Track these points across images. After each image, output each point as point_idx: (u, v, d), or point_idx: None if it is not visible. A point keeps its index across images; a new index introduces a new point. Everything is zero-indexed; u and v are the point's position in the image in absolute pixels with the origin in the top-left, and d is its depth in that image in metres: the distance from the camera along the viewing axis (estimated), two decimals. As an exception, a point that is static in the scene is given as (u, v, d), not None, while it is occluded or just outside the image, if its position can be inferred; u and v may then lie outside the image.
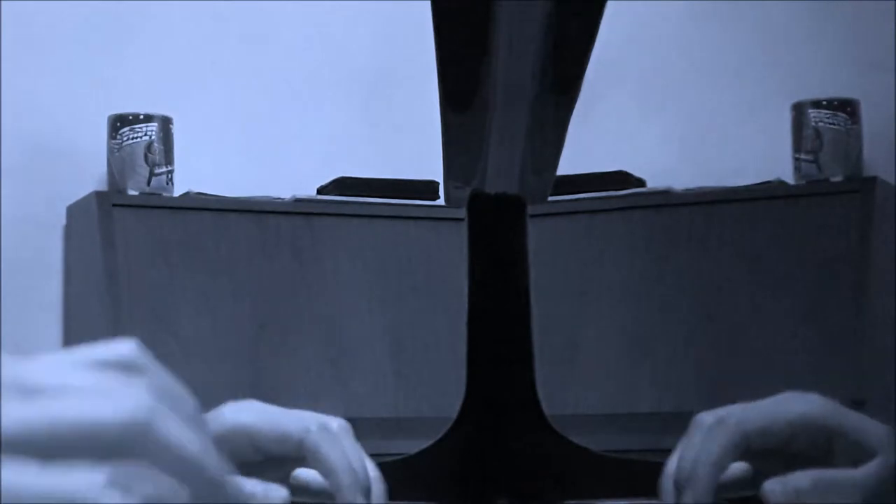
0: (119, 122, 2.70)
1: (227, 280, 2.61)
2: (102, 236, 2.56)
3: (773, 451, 0.69)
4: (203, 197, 2.69)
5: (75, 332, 2.75)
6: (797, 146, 2.74)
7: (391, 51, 3.01)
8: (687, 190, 2.73)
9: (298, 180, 2.81)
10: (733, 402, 0.73)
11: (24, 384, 0.42)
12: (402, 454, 0.74)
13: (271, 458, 0.71)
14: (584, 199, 2.72)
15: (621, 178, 2.77)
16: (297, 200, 2.72)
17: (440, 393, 2.57)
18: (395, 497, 0.69)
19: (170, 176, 2.72)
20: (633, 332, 2.66)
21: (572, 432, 0.81)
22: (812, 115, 2.72)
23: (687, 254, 2.65)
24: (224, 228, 2.63)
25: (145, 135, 2.70)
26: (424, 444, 0.81)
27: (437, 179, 2.71)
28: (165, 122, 2.72)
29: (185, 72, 2.93)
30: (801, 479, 0.67)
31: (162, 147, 2.71)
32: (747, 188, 2.68)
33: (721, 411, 0.71)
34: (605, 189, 2.75)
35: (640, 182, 2.79)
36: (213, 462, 0.45)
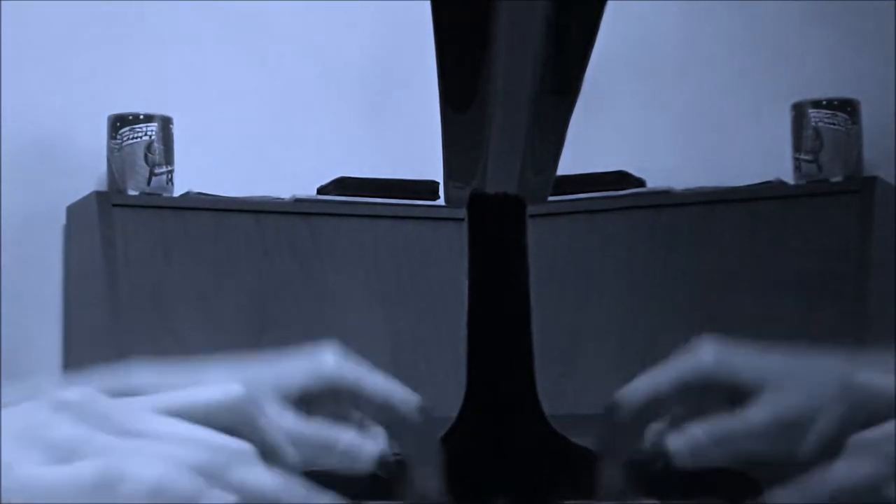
0: (119, 122, 2.70)
1: (227, 280, 2.61)
2: (102, 236, 2.56)
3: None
4: (203, 197, 2.69)
5: (75, 333, 2.75)
6: (797, 146, 2.74)
7: (391, 50, 3.01)
8: (687, 190, 2.73)
9: (298, 180, 2.81)
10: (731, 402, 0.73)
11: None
12: (402, 454, 0.73)
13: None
14: (584, 199, 2.72)
15: (621, 178, 2.77)
16: (297, 200, 2.72)
17: (440, 393, 2.57)
18: (395, 497, 0.69)
19: (170, 176, 2.72)
20: (634, 332, 2.66)
21: (572, 432, 0.81)
22: (812, 115, 2.72)
23: (687, 254, 2.65)
24: (224, 228, 2.63)
25: (145, 135, 2.70)
26: (424, 444, 0.81)
27: (437, 179, 2.71)
28: (165, 122, 2.72)
29: (186, 72, 2.93)
30: (702, 432, 0.66)
31: (162, 147, 2.71)
32: (747, 188, 2.68)
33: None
34: (605, 189, 2.75)
35: (640, 182, 2.79)
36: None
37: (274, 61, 2.99)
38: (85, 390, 0.57)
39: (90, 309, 2.64)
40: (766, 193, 2.67)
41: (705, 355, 0.67)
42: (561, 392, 2.58)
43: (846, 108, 2.72)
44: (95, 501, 0.52)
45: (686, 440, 0.66)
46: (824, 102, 2.73)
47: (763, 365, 0.68)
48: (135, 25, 2.90)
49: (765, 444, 0.65)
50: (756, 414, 0.65)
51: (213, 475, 0.55)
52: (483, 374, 0.82)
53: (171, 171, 2.72)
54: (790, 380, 0.67)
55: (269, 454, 0.59)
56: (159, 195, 2.69)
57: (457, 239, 2.68)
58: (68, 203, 2.75)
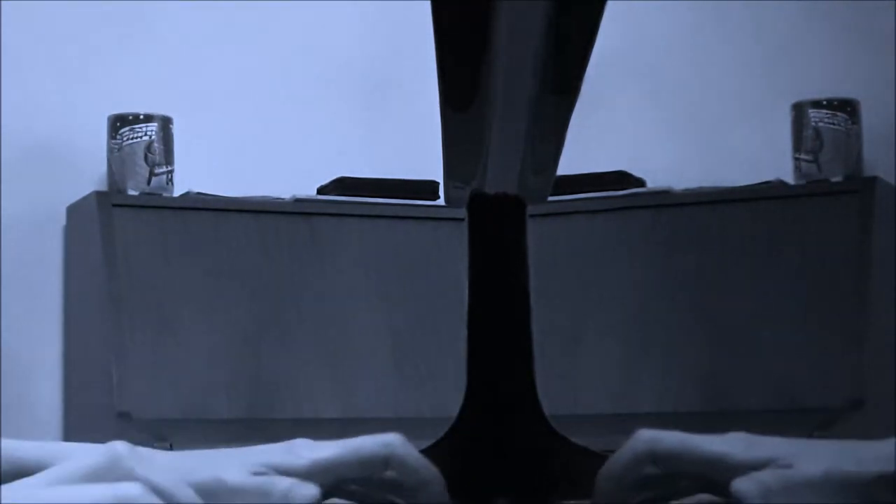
0: (119, 122, 2.70)
1: (227, 280, 2.61)
2: (102, 236, 2.56)
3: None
4: (203, 197, 2.69)
5: (75, 332, 2.75)
6: (797, 146, 2.74)
7: (391, 51, 3.01)
8: (687, 190, 2.73)
9: (298, 180, 2.81)
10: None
11: None
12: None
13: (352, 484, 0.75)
14: (584, 199, 2.72)
15: (621, 178, 2.77)
16: (297, 200, 2.72)
17: (440, 393, 2.57)
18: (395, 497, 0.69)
19: (170, 176, 2.72)
20: (633, 332, 2.66)
21: (572, 432, 0.81)
22: (812, 115, 2.72)
23: (687, 254, 2.65)
24: (224, 228, 2.63)
25: (145, 135, 2.70)
26: (424, 444, 0.81)
27: (437, 179, 2.71)
28: (165, 122, 2.72)
29: (185, 72, 2.93)
30: (769, 477, 0.69)
31: (162, 147, 2.71)
32: (747, 188, 2.68)
33: (659, 432, 0.76)
34: (604, 189, 2.75)
35: (640, 182, 2.79)
36: None
37: (273, 61, 2.99)
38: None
39: (90, 309, 2.64)
40: (766, 193, 2.67)
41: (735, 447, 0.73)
42: (561, 392, 2.58)
43: (846, 108, 2.72)
44: None
45: (757, 485, 0.69)
46: (824, 102, 2.73)
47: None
48: (135, 25, 2.90)
49: (816, 496, 0.69)
50: (810, 469, 0.69)
51: None
52: (483, 374, 0.82)
53: (171, 171, 2.72)
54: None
55: None
56: (159, 195, 2.69)
57: (457, 239, 2.68)
58: (68, 203, 2.75)
